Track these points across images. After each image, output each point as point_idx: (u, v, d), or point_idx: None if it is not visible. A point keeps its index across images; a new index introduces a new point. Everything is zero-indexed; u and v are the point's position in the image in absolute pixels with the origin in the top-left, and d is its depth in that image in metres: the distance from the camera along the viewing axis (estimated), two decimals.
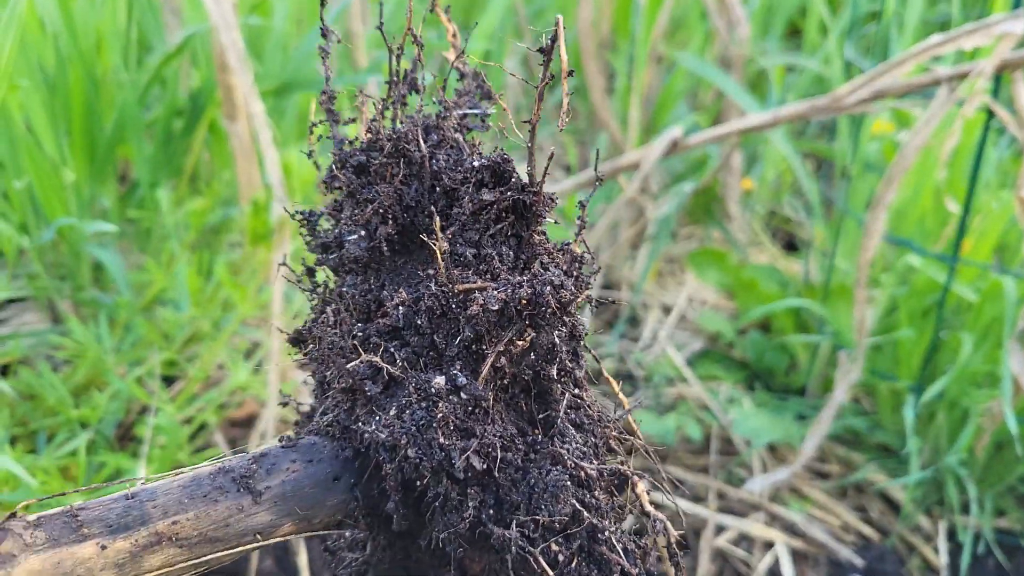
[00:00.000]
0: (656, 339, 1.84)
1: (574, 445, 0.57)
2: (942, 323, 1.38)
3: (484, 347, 0.55)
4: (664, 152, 1.50)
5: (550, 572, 0.52)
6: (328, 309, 0.63)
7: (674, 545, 0.56)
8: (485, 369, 0.55)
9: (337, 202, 0.64)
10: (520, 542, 0.52)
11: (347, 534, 0.63)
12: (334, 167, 0.61)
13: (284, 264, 0.69)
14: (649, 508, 0.55)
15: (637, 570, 0.53)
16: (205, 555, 0.50)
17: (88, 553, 0.47)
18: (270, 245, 1.26)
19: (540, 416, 0.58)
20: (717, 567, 1.34)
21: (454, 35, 0.68)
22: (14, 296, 1.52)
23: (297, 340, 0.67)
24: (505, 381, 0.57)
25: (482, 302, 0.53)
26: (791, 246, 2.25)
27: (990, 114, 1.24)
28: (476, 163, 0.57)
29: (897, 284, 1.53)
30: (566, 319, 0.57)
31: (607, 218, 1.78)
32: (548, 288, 0.54)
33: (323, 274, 0.69)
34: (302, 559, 1.29)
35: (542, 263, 0.59)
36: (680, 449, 1.55)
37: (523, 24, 2.29)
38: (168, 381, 1.45)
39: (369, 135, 0.61)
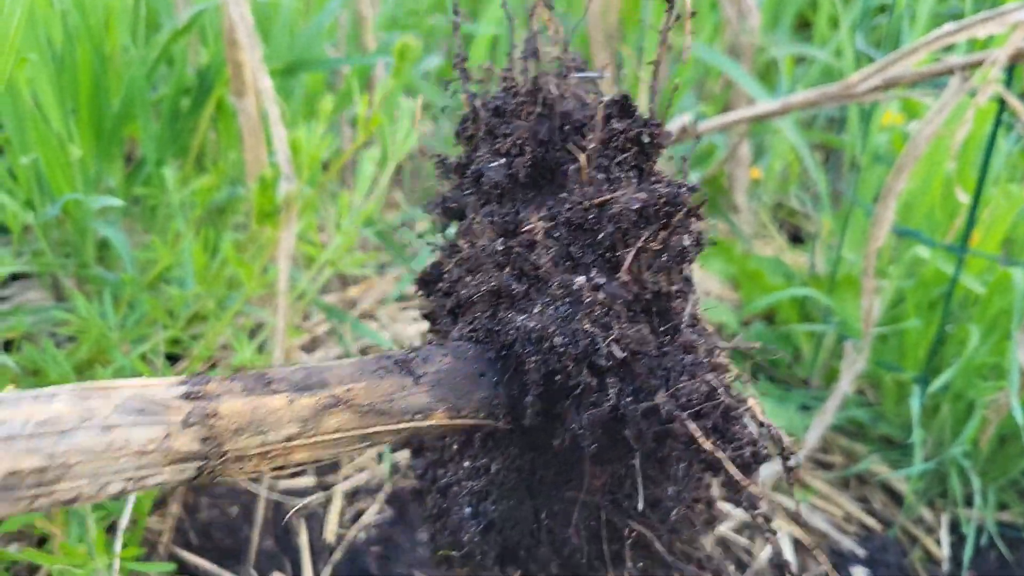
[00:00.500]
0: None
1: (701, 341, 0.61)
2: (949, 315, 1.37)
3: (618, 254, 0.60)
4: (673, 139, 1.49)
5: (697, 434, 0.54)
6: (468, 223, 0.68)
7: (786, 451, 0.58)
8: (627, 263, 0.59)
9: (462, 156, 0.70)
10: (668, 406, 0.55)
11: (466, 464, 0.65)
12: (476, 108, 0.68)
13: (432, 208, 0.74)
14: (762, 418, 0.57)
15: (767, 451, 0.56)
16: (373, 426, 0.54)
17: (279, 404, 0.52)
18: (276, 223, 1.25)
19: (661, 329, 0.62)
20: (719, 555, 1.33)
21: (556, 31, 0.74)
22: (18, 272, 1.52)
23: (425, 281, 0.71)
24: (629, 298, 0.60)
25: (624, 202, 0.59)
26: (796, 239, 2.24)
27: (1001, 105, 1.24)
28: (605, 99, 0.64)
29: (904, 276, 1.53)
30: (694, 224, 0.62)
31: None
32: (684, 190, 0.60)
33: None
34: (303, 539, 1.29)
35: None
36: None
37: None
38: (172, 360, 1.45)
39: (504, 83, 0.68)
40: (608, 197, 0.60)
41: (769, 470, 1.43)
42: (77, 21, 1.33)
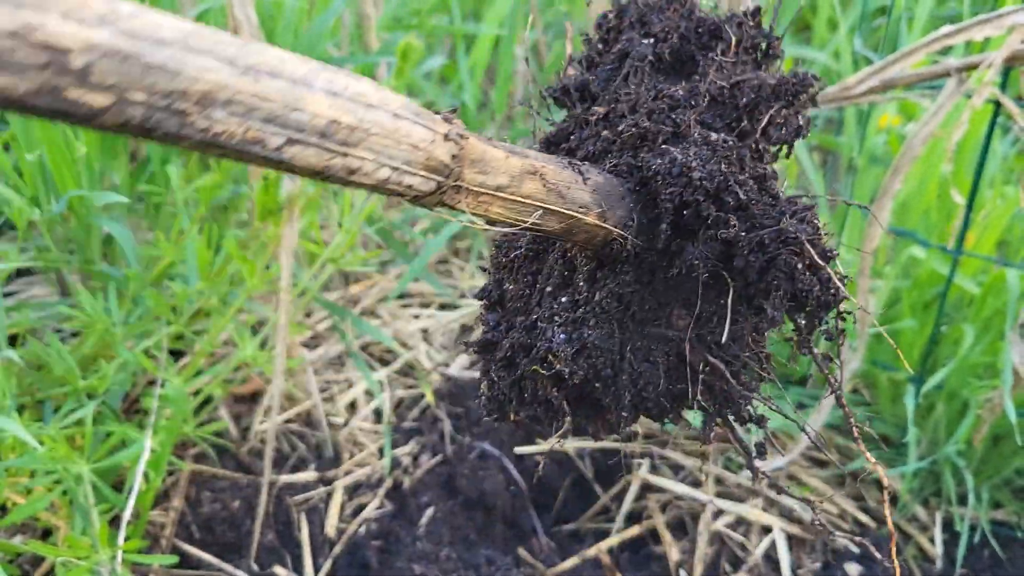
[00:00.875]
0: None
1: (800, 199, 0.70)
2: (944, 315, 1.39)
3: (743, 124, 0.71)
4: None
5: (813, 253, 0.63)
6: (612, 90, 0.77)
7: (848, 315, 0.68)
8: (763, 123, 0.70)
9: (599, 45, 0.82)
10: (792, 227, 0.63)
11: (563, 299, 0.73)
12: (631, 1, 0.81)
13: (553, 91, 0.82)
14: (839, 285, 0.66)
15: (845, 294, 0.65)
16: (551, 204, 0.62)
17: (500, 155, 0.59)
18: (279, 221, 1.27)
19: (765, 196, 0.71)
20: (715, 550, 1.35)
21: None
22: (23, 268, 1.53)
23: (550, 143, 0.80)
24: (752, 156, 0.70)
25: (764, 77, 0.70)
26: None
27: (997, 108, 1.25)
28: (743, 8, 0.77)
29: (900, 276, 1.54)
30: (810, 106, 0.73)
31: None
32: (811, 75, 0.71)
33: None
34: (304, 533, 1.31)
35: None
36: (680, 434, 1.56)
37: (534, 12, 2.30)
38: (176, 356, 1.46)
39: None
40: (746, 77, 0.72)
41: (765, 467, 1.44)
42: None
